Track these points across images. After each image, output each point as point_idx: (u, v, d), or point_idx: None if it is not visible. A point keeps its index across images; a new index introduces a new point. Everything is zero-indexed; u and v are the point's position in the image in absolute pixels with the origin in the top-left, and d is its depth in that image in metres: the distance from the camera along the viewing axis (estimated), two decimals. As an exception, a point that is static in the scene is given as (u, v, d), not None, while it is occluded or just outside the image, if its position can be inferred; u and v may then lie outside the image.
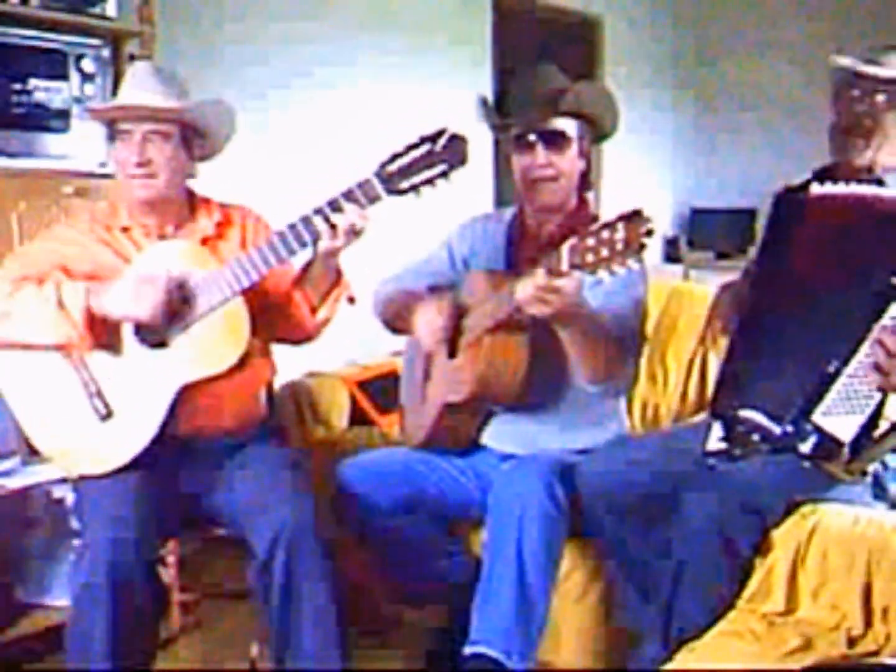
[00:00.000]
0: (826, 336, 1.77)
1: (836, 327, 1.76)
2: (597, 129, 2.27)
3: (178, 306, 2.02)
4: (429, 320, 2.22)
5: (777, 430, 1.81)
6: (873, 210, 1.78)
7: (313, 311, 2.17)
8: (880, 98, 1.97)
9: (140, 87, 2.09)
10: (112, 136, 2.10)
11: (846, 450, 1.76)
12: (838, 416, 1.75)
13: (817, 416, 1.76)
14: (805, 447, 1.79)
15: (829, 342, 1.77)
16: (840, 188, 1.83)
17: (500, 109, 2.33)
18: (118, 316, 2.02)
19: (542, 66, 2.30)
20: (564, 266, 1.76)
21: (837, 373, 1.74)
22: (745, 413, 1.85)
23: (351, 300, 2.21)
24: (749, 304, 1.93)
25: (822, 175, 1.94)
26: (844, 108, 2.02)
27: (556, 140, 2.21)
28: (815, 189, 1.83)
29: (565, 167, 2.22)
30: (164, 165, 2.08)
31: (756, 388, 1.86)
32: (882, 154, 1.98)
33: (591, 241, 1.70)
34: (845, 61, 2.01)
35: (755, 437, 1.85)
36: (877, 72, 1.97)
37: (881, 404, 1.73)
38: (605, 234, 1.68)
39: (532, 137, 2.21)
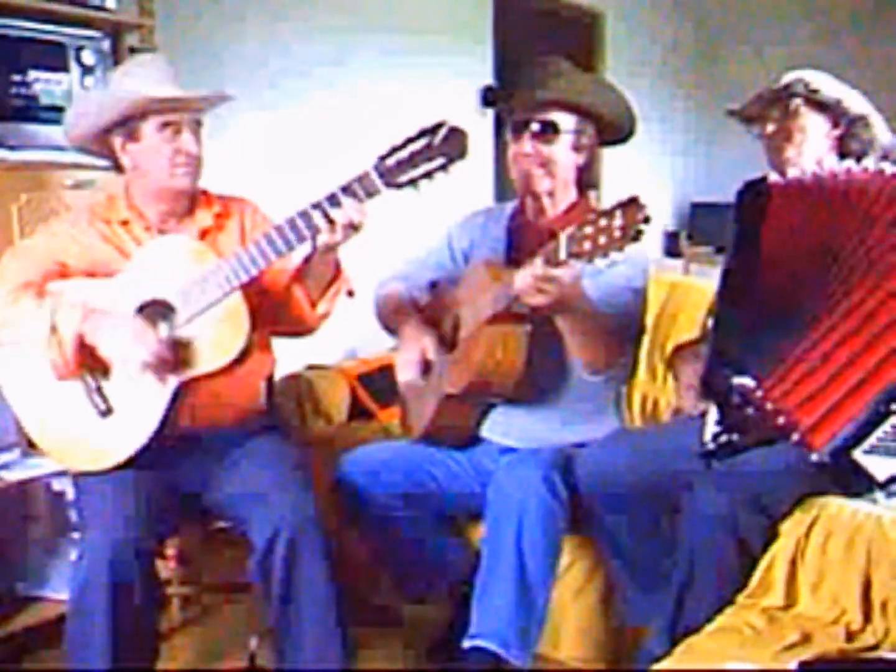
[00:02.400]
0: (805, 311, 1.79)
1: (816, 300, 1.77)
2: (602, 127, 2.26)
3: (167, 364, 2.02)
4: (410, 348, 2.28)
5: (815, 456, 1.79)
6: (834, 188, 1.82)
7: (313, 305, 2.17)
8: (788, 108, 2.18)
9: (169, 79, 2.09)
10: (131, 130, 2.08)
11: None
12: (878, 457, 1.75)
13: (858, 454, 1.76)
14: (836, 478, 1.81)
15: (809, 316, 1.78)
16: (797, 174, 1.89)
17: (504, 97, 2.34)
18: (106, 356, 2.02)
19: (550, 57, 2.30)
20: (562, 255, 1.76)
21: (888, 413, 1.73)
22: (738, 380, 1.85)
23: (350, 294, 2.22)
24: (726, 287, 1.94)
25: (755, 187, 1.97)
26: (763, 139, 2.23)
27: (544, 131, 2.20)
28: (774, 177, 1.88)
29: (553, 158, 2.21)
30: (200, 155, 2.13)
31: (746, 357, 1.86)
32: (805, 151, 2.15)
33: (588, 230, 1.70)
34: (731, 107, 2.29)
35: (749, 409, 1.84)
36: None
37: None
38: (603, 222, 1.68)
39: (522, 125, 2.21)
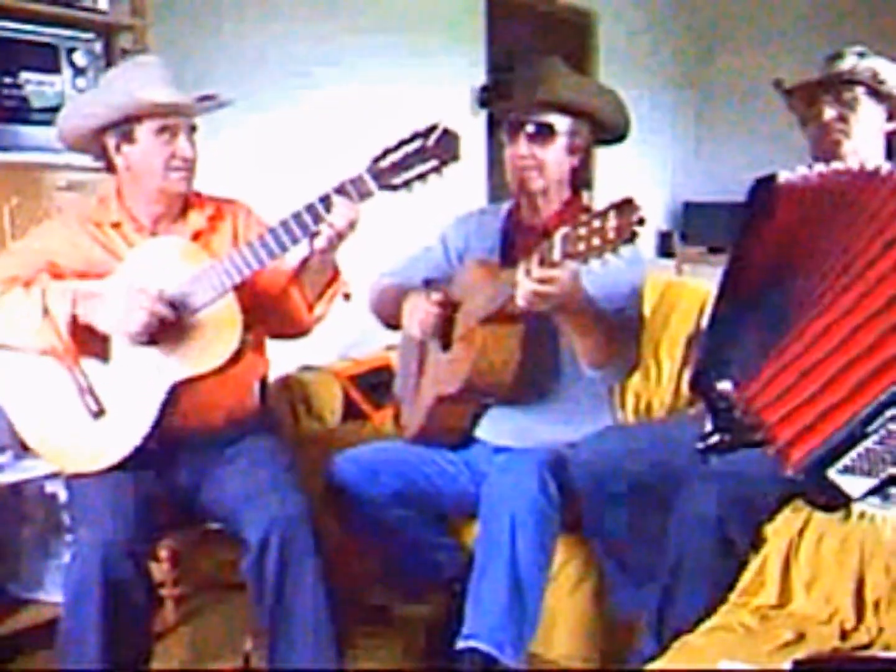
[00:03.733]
0: (795, 317, 1.78)
1: (806, 307, 1.77)
2: (597, 128, 2.26)
3: (167, 321, 2.01)
4: (416, 308, 2.24)
5: (790, 471, 1.79)
6: (842, 185, 1.79)
7: (310, 307, 2.17)
8: (848, 95, 2.03)
9: (167, 83, 2.08)
10: (126, 132, 2.07)
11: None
12: (853, 476, 1.75)
13: (832, 472, 1.76)
14: (811, 496, 1.81)
15: (799, 323, 1.78)
16: (806, 171, 1.85)
17: (499, 97, 2.34)
18: (105, 331, 2.02)
19: (546, 57, 2.30)
20: (557, 256, 1.76)
21: (864, 436, 1.72)
22: (722, 385, 1.85)
23: (347, 297, 2.22)
24: (722, 288, 1.94)
25: None
26: (815, 123, 2.08)
27: (540, 132, 2.20)
28: (784, 175, 1.86)
29: (548, 160, 2.21)
30: (195, 159, 2.13)
31: (730, 361, 1.86)
32: (860, 145, 2.03)
33: (582, 231, 1.70)
34: (790, 83, 2.12)
35: (737, 413, 1.84)
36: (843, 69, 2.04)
37: None
38: (597, 223, 1.68)
39: (517, 128, 2.21)
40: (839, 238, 1.74)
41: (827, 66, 2.09)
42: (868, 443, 1.69)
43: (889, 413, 1.66)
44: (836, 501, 1.76)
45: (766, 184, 1.90)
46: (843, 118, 2.05)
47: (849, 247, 1.71)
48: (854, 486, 1.72)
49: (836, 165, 1.85)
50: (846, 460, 1.70)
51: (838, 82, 2.05)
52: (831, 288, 1.72)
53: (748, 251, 1.88)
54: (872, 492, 1.72)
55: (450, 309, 2.25)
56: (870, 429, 1.67)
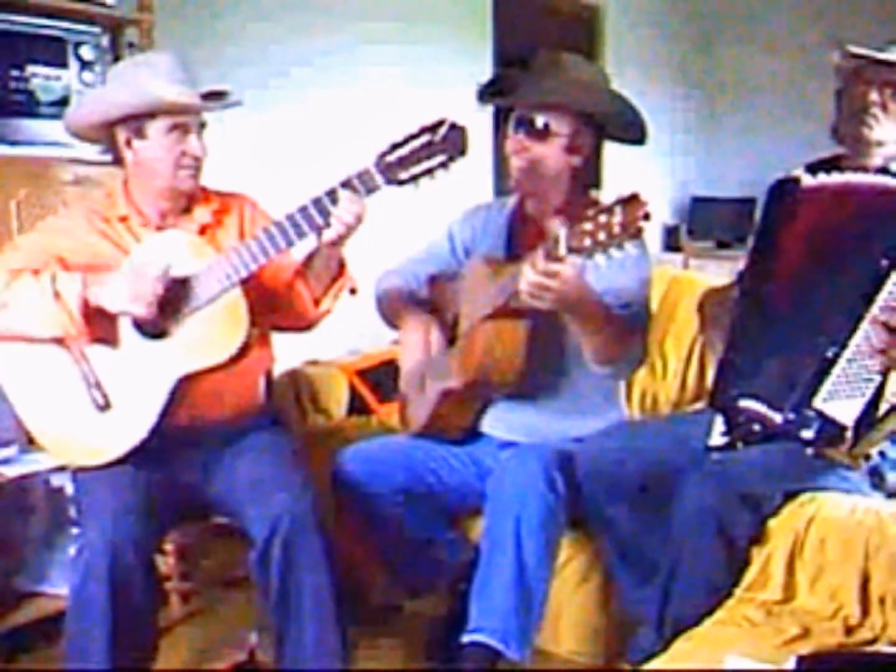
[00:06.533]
0: (823, 322, 1.80)
1: (831, 313, 1.78)
2: (603, 129, 2.25)
3: (176, 300, 2.02)
4: (415, 339, 2.30)
5: (778, 418, 1.82)
6: (863, 196, 1.80)
7: (316, 302, 2.17)
8: (888, 88, 1.95)
9: (183, 81, 2.07)
10: (137, 127, 2.07)
11: (849, 434, 1.78)
12: (839, 401, 1.76)
13: (818, 402, 1.78)
14: (808, 434, 1.81)
15: (826, 328, 1.79)
16: (831, 178, 1.86)
17: (500, 93, 2.33)
18: (115, 310, 2.02)
19: (552, 54, 2.29)
20: (562, 250, 1.76)
21: (836, 357, 1.75)
22: (745, 403, 1.86)
23: (353, 291, 2.22)
24: (745, 296, 1.94)
25: (821, 166, 1.94)
26: (855, 99, 1.99)
27: (535, 130, 2.19)
28: (807, 180, 1.85)
29: (544, 158, 2.20)
30: (204, 157, 2.12)
31: (754, 377, 1.87)
32: (886, 138, 1.98)
33: (588, 226, 1.70)
34: (857, 51, 1.97)
35: (756, 426, 1.85)
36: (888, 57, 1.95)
37: (881, 385, 1.76)
38: (603, 218, 1.68)
39: (514, 124, 2.21)
40: (854, 249, 1.76)
41: (886, 48, 1.98)
42: (842, 362, 1.72)
43: (848, 333, 1.73)
44: (831, 435, 1.78)
45: (787, 186, 1.89)
46: (883, 105, 1.95)
47: (861, 257, 1.74)
48: (844, 411, 1.75)
49: (857, 174, 1.86)
50: (827, 386, 1.74)
51: (886, 62, 1.94)
52: (847, 298, 1.75)
53: (768, 261, 1.88)
54: (864, 414, 1.75)
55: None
56: (829, 353, 1.71)
